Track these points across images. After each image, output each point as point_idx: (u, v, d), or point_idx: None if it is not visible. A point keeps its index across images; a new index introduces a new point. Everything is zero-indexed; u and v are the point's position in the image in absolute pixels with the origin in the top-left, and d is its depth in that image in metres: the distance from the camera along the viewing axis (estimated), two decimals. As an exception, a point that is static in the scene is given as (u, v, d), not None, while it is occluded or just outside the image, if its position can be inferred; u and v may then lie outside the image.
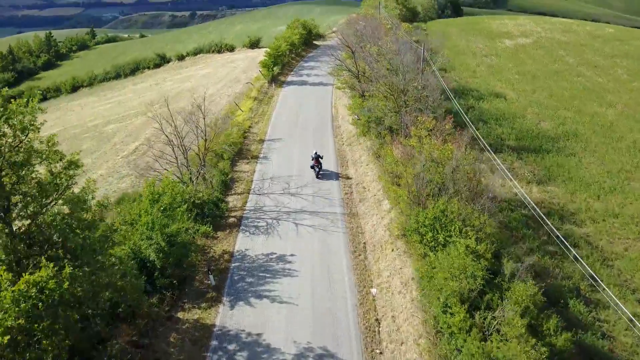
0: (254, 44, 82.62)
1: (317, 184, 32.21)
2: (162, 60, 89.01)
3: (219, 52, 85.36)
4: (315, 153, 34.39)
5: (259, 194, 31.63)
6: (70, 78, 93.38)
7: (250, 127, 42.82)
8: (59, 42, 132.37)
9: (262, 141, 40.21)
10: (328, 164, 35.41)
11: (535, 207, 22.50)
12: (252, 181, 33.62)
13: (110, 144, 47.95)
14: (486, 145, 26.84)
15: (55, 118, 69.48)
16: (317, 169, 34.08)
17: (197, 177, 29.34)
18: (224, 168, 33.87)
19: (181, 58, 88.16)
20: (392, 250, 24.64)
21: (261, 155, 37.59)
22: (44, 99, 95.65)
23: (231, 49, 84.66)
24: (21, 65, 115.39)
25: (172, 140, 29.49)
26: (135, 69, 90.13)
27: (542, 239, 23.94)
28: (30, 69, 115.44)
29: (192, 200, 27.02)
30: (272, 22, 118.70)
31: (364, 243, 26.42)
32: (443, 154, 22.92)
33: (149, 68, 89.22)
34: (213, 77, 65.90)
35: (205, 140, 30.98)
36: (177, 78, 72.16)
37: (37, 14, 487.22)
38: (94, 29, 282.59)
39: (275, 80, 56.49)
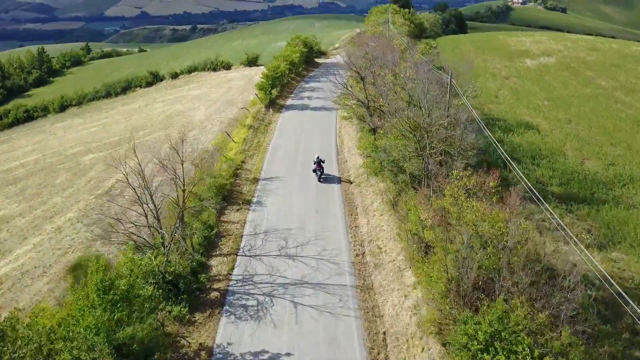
0: (252, 62, 76.96)
1: (321, 241, 26.10)
2: (154, 79, 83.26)
3: (214, 70, 79.64)
4: (317, 157, 34.37)
5: (250, 256, 25.46)
6: (59, 97, 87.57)
7: (243, 162, 36.78)
8: (52, 57, 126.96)
9: (256, 180, 34.16)
10: (334, 211, 29.49)
11: (618, 289, 16.34)
12: (242, 236, 27.46)
13: (86, 179, 41.87)
14: (547, 206, 20.69)
15: (36, 142, 63.65)
16: (319, 173, 34.17)
17: (172, 240, 23.14)
18: (208, 220, 27.77)
19: (175, 76, 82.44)
20: (423, 349, 18.48)
21: (254, 200, 31.50)
22: (31, 118, 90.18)
23: (227, 66, 78.95)
24: (11, 81, 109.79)
25: (139, 197, 23.25)
26: (126, 88, 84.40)
27: (624, 337, 17.83)
28: (20, 86, 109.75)
29: (161, 276, 20.88)
30: (272, 37, 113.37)
31: (384, 333, 20.20)
32: (493, 226, 16.84)
33: (140, 87, 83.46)
34: (206, 99, 60.11)
35: (184, 191, 24.80)
36: (168, 99, 66.39)
37: (39, 27, 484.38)
38: (93, 43, 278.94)
39: (273, 104, 50.66)
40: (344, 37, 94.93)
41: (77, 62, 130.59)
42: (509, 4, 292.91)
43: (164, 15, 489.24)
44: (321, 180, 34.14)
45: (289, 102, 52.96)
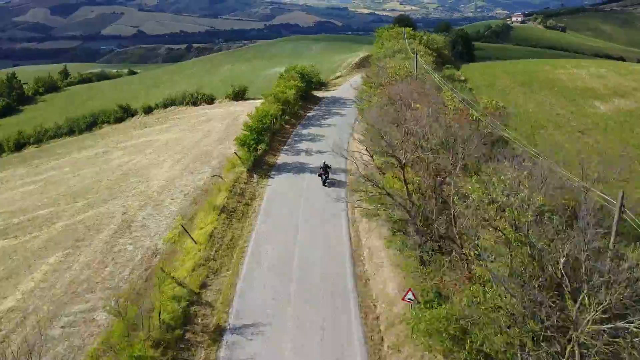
0: (239, 95, 63.24)
1: None
2: (125, 114, 69.27)
3: (194, 104, 65.81)
4: (324, 163, 33.25)
5: None
6: (15, 133, 73.57)
7: (203, 286, 22.63)
8: (24, 83, 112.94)
9: (220, 331, 19.90)
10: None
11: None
12: None
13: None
14: None
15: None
16: (324, 177, 32.96)
17: None
18: None
19: (148, 111, 68.43)
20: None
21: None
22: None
23: (210, 100, 65.11)
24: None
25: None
26: (92, 124, 70.23)
27: None
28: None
29: None
30: (265, 62, 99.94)
31: None
32: None
33: (108, 122, 69.43)
34: (176, 149, 46.09)
35: None
36: (132, 145, 52.31)
37: (35, 47, 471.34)
38: (85, 64, 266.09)
39: (260, 164, 36.65)
40: (346, 64, 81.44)
41: (52, 87, 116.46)
42: (508, 22, 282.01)
43: (160, 34, 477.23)
44: (326, 184, 32.79)
45: (281, 158, 38.89)
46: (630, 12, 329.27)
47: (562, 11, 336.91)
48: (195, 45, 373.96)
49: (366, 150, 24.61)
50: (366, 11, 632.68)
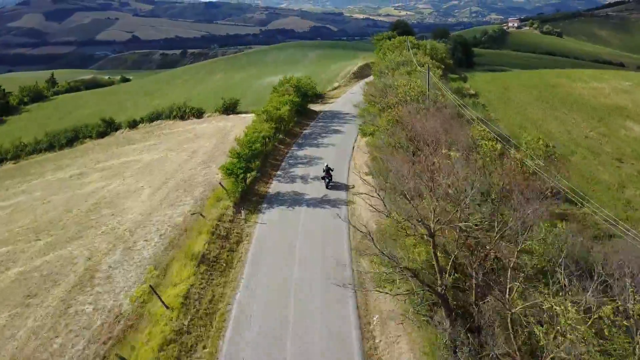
0: (230, 109, 58.37)
1: None
2: (108, 128, 64.23)
3: (182, 118, 60.88)
4: (327, 165, 33.39)
5: None
6: (-7, 148, 68.53)
7: (172, 373, 17.86)
8: (7, 92, 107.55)
9: None
10: None
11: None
12: None
13: None
14: None
15: None
16: (327, 180, 32.93)
17: None
18: None
19: (133, 125, 63.38)
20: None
21: None
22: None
23: (199, 114, 60.16)
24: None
25: None
26: (73, 139, 65.12)
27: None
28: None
29: None
30: (259, 70, 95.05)
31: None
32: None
33: (90, 137, 64.38)
34: (157, 172, 41.17)
35: None
36: (111, 166, 47.29)
37: (29, 52, 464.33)
38: (78, 70, 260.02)
39: (249, 196, 31.80)
40: (344, 73, 76.66)
41: (38, 96, 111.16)
42: (505, 28, 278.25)
43: (155, 39, 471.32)
44: (329, 187, 32.77)
45: (274, 187, 33.99)
46: (625, 17, 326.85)
47: (558, 16, 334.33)
48: (190, 51, 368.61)
49: (376, 193, 19.69)
50: (361, 16, 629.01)
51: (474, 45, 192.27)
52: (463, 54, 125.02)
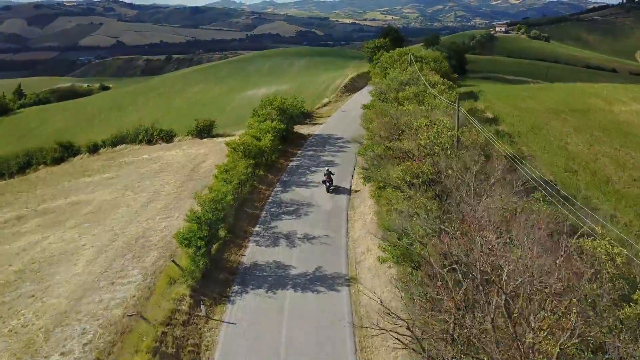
0: (204, 131, 49.79)
1: None
2: (65, 152, 55.16)
3: (149, 142, 52.14)
4: (328, 169, 32.81)
5: None
6: None
7: None
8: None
9: None
10: None
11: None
12: None
13: None
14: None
15: None
16: (328, 184, 32.22)
17: None
18: None
19: (94, 150, 54.38)
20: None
21: None
22: None
23: (168, 137, 51.45)
24: None
25: None
26: (26, 165, 55.97)
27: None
28: None
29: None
30: (240, 82, 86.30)
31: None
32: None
33: (45, 164, 55.30)
34: (105, 223, 32.36)
35: None
36: (53, 209, 38.14)
37: (10, 58, 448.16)
38: (58, 77, 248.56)
39: (214, 272, 23.12)
40: (334, 86, 68.28)
41: (3, 110, 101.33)
42: (492, 32, 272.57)
43: (139, 44, 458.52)
44: (330, 190, 32.02)
45: (250, 253, 25.10)
46: (610, 22, 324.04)
47: (544, 21, 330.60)
48: (175, 56, 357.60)
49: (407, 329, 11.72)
50: (347, 21, 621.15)
51: (465, 51, 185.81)
52: (457, 62, 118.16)
